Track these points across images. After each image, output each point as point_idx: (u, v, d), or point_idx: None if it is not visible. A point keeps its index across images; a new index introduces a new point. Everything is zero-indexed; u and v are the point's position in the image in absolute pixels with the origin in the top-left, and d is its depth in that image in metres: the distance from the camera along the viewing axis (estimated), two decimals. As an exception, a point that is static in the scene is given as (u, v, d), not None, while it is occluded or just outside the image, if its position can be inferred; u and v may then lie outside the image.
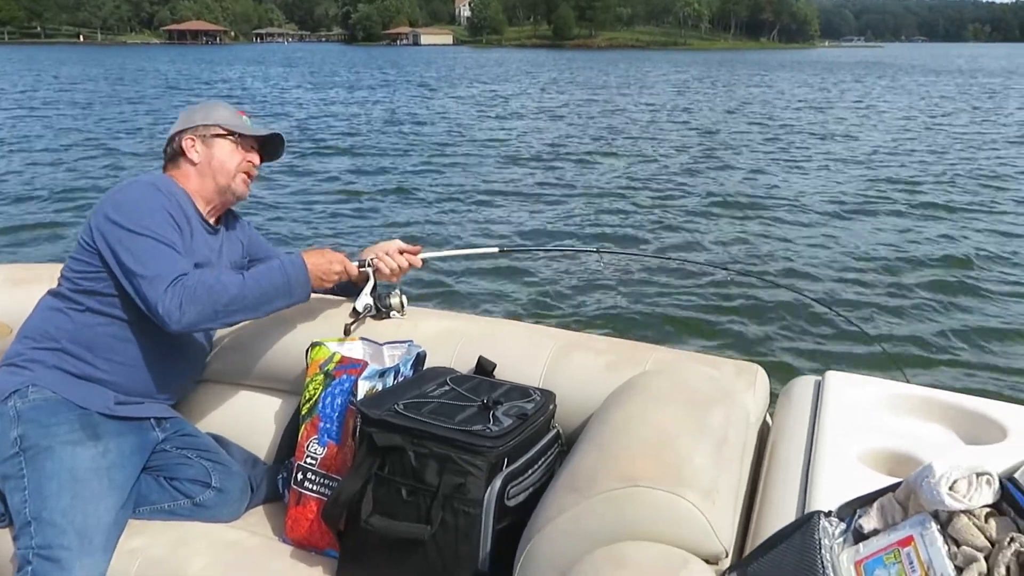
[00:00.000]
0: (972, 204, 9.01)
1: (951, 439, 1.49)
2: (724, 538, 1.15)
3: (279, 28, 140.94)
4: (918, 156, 12.59)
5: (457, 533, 1.40)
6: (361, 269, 1.90)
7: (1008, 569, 0.84)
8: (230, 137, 1.90)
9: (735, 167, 11.58)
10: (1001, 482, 0.94)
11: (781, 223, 8.10)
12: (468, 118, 17.20)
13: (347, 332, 1.87)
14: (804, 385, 1.69)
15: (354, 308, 1.89)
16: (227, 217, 2.01)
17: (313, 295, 1.98)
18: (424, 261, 1.99)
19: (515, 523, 1.41)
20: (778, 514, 1.24)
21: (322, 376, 1.71)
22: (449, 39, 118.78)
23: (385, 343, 1.83)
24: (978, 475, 0.95)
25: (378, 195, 9.38)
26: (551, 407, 1.63)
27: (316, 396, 1.69)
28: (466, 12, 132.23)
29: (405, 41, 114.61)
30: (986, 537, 0.90)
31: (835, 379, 1.65)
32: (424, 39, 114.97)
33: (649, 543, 1.12)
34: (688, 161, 12.02)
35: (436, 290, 5.75)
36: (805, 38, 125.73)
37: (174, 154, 1.90)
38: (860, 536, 1.01)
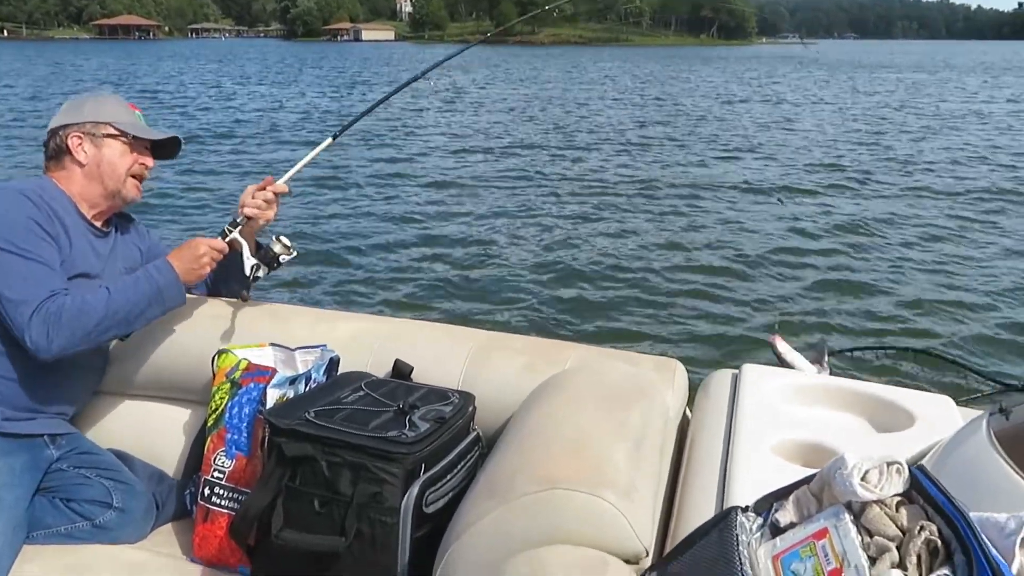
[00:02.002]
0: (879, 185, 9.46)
1: (863, 427, 1.52)
2: (644, 537, 1.14)
3: (215, 23, 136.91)
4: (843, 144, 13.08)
5: (374, 543, 1.35)
6: (228, 239, 1.80)
7: (919, 557, 0.85)
8: (123, 138, 1.79)
9: (657, 155, 11.79)
10: (910, 471, 0.95)
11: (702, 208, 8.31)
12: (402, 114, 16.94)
13: (244, 299, 1.85)
14: (721, 378, 1.70)
15: (245, 276, 1.81)
16: (119, 220, 1.90)
17: (215, 299, 1.90)
18: (286, 184, 1.88)
19: (434, 530, 1.37)
20: (697, 510, 1.23)
21: (229, 385, 1.63)
22: (391, 35, 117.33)
23: (297, 348, 1.76)
24: (888, 464, 0.95)
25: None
26: (470, 409, 1.60)
27: (222, 406, 1.61)
28: (408, 8, 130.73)
29: (346, 37, 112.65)
30: (897, 526, 0.90)
31: (751, 372, 1.66)
32: (366, 35, 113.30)
33: (569, 546, 1.10)
34: (610, 150, 12.16)
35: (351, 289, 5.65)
36: (743, 35, 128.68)
37: (58, 151, 1.77)
38: (777, 530, 1.00)
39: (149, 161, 1.84)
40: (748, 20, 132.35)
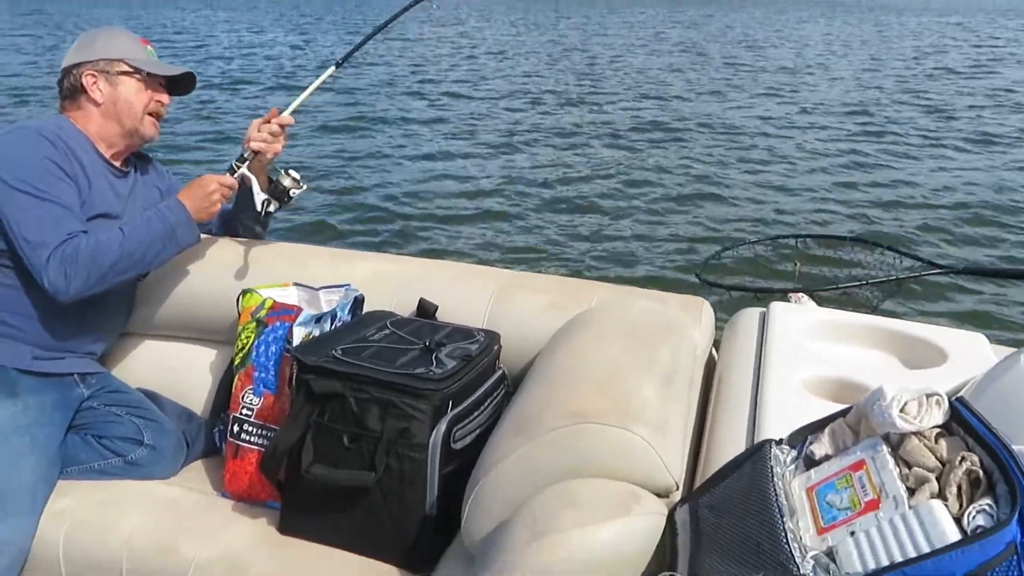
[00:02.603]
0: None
1: (893, 364, 1.50)
2: (675, 471, 1.13)
3: None
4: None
5: (403, 479, 1.36)
6: (236, 174, 1.78)
7: (959, 488, 0.84)
8: (137, 75, 1.75)
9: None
10: (950, 402, 0.94)
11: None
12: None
13: (260, 237, 1.85)
14: (749, 316, 1.68)
15: (256, 212, 1.80)
16: (138, 161, 1.88)
17: (237, 240, 1.89)
18: (291, 116, 1.85)
19: (462, 466, 1.37)
20: (727, 446, 1.23)
21: (254, 324, 1.63)
22: None
23: (321, 288, 1.75)
24: (928, 396, 0.94)
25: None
26: (496, 348, 1.59)
27: (249, 345, 1.61)
28: None
29: None
30: (936, 457, 0.89)
31: (779, 309, 1.64)
32: None
33: (600, 480, 1.10)
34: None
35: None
36: None
37: (73, 91, 1.74)
38: (811, 462, 1.00)
39: (165, 98, 1.81)
40: None
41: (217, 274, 1.84)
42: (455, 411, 1.40)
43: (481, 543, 1.18)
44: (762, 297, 3.04)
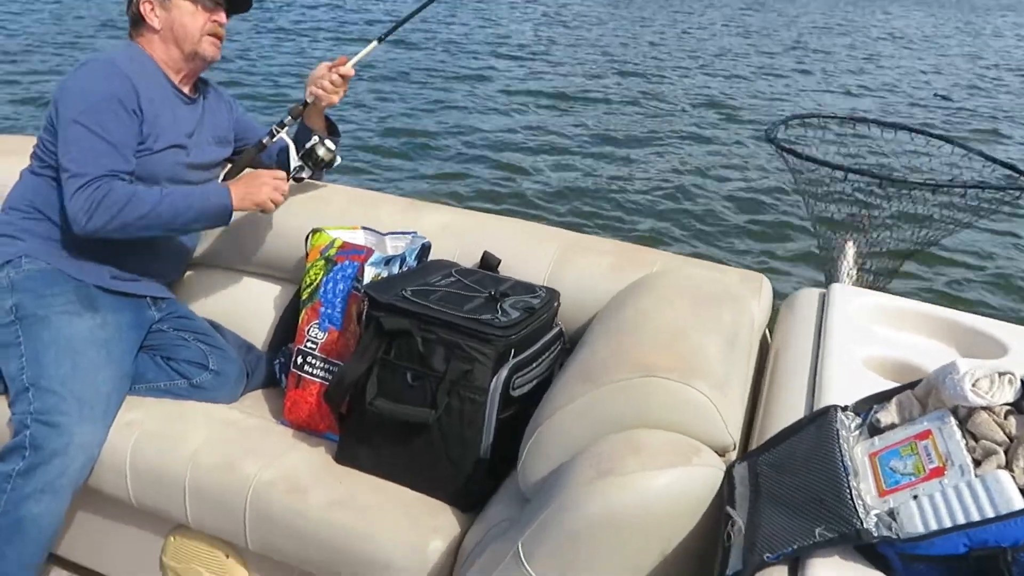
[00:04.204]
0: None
1: (953, 354, 1.50)
2: (733, 430, 1.16)
3: None
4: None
5: (462, 419, 1.40)
6: (275, 138, 1.87)
7: (1028, 462, 0.86)
8: None
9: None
10: (1022, 382, 0.95)
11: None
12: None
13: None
14: (808, 296, 1.69)
15: (291, 177, 1.84)
16: (206, 89, 1.92)
17: (310, 182, 1.93)
18: (354, 67, 1.87)
19: (518, 412, 1.42)
20: (785, 413, 1.24)
21: (323, 261, 1.68)
22: None
23: (388, 233, 1.79)
24: (1000, 375, 0.96)
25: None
26: (555, 304, 1.62)
27: (317, 281, 1.66)
28: None
29: None
30: (1005, 433, 0.91)
31: (840, 291, 1.65)
32: None
33: (662, 431, 1.13)
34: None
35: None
36: None
37: (135, 19, 1.78)
38: (876, 430, 1.02)
39: (222, 17, 1.81)
40: None
41: (288, 212, 1.88)
42: (516, 359, 1.44)
43: (538, 484, 1.22)
44: (850, 179, 2.46)
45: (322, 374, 1.62)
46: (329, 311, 1.64)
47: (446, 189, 5.54)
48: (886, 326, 1.56)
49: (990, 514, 0.81)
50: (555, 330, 1.61)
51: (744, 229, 5.14)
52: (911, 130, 2.75)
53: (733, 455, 1.19)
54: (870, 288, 2.14)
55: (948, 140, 2.67)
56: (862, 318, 1.55)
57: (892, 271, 2.58)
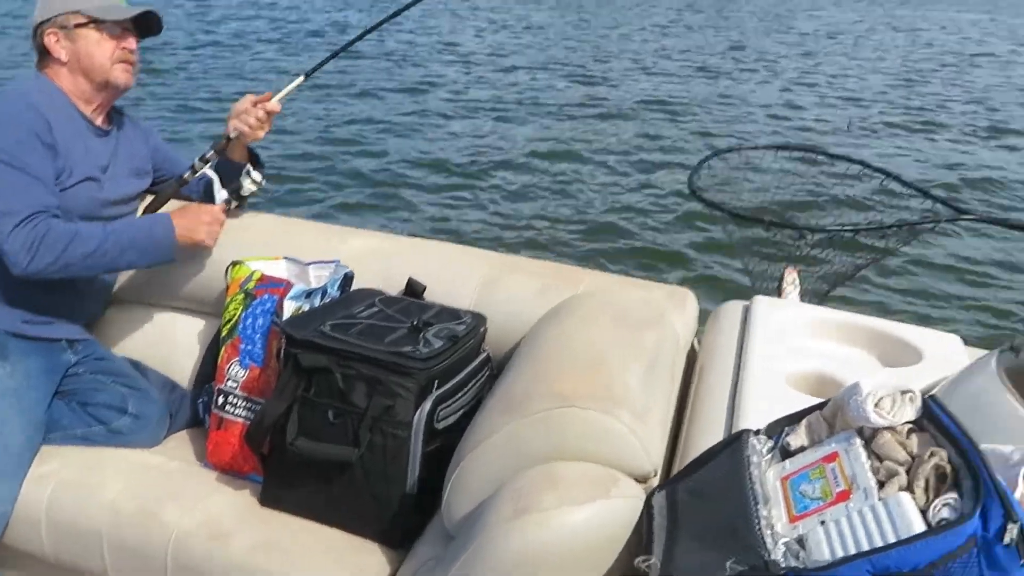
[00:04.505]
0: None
1: (872, 362, 1.53)
2: (654, 457, 1.16)
3: None
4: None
5: (386, 455, 1.38)
6: (197, 173, 1.82)
7: (927, 481, 0.87)
8: (94, 25, 1.69)
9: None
10: (923, 400, 0.97)
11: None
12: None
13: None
14: (732, 309, 1.70)
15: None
16: (121, 118, 1.86)
17: (233, 211, 1.89)
18: (279, 102, 1.82)
19: (444, 446, 1.40)
20: (706, 435, 1.25)
21: (242, 296, 1.64)
22: None
23: (310, 263, 1.76)
24: (902, 393, 0.97)
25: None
26: (482, 330, 1.61)
27: (236, 317, 1.62)
28: None
29: None
30: (907, 452, 0.92)
31: (762, 303, 1.67)
32: None
33: (581, 462, 1.12)
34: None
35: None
36: None
37: (41, 51, 1.71)
38: (787, 453, 1.03)
39: (131, 43, 1.75)
40: None
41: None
42: (440, 391, 1.42)
43: (461, 521, 1.20)
44: (771, 231, 2.54)
45: (244, 413, 1.58)
46: (249, 347, 1.60)
47: (373, 212, 5.49)
48: (807, 337, 1.58)
49: (892, 539, 0.82)
50: (482, 356, 1.60)
51: (677, 243, 5.18)
52: (831, 156, 2.81)
53: (655, 481, 1.18)
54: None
55: (865, 164, 2.73)
56: (784, 330, 1.57)
57: (824, 294, 2.62)
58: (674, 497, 1.04)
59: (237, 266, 1.71)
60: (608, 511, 1.04)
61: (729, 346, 1.54)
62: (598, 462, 1.12)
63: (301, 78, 1.88)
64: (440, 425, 1.42)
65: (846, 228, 2.39)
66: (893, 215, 2.49)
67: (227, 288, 1.71)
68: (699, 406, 1.37)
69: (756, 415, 1.21)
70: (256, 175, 1.84)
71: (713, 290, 4.02)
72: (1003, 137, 8.87)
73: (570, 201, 5.94)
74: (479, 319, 1.61)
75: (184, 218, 1.71)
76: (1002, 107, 10.58)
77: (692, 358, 1.67)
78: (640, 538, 1.03)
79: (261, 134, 1.82)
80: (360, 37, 1.99)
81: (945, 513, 0.83)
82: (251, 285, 1.66)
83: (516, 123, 8.42)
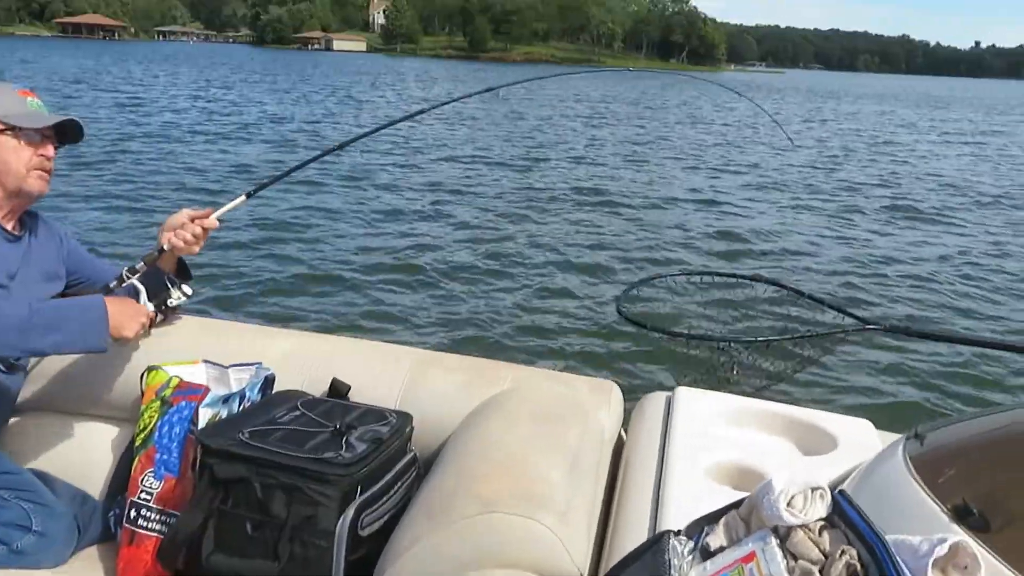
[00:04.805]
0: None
1: (790, 450, 1.57)
2: (578, 559, 1.16)
3: (183, 27, 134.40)
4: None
5: (307, 567, 1.33)
6: (125, 284, 1.75)
7: (840, 580, 0.89)
8: (10, 132, 1.67)
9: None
10: (833, 496, 0.99)
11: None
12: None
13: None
14: (655, 400, 1.73)
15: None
16: (35, 223, 1.81)
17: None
18: (219, 220, 1.81)
19: (370, 553, 1.36)
20: (631, 533, 1.26)
21: (158, 403, 1.59)
22: (363, 46, 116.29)
23: (231, 365, 1.72)
24: (813, 490, 0.99)
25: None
26: (408, 429, 1.59)
27: (152, 425, 1.57)
28: (380, 19, 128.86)
29: (317, 46, 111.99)
30: (820, 550, 0.94)
31: (684, 394, 1.70)
32: (337, 45, 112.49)
33: (506, 570, 1.11)
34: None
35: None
36: (713, 61, 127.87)
37: None
38: (707, 553, 1.03)
39: (49, 151, 1.73)
40: (718, 46, 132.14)
41: (122, 347, 1.79)
42: (364, 496, 1.39)
43: None
44: (684, 343, 2.69)
45: (158, 528, 1.51)
46: (165, 457, 1.54)
47: (301, 311, 5.44)
48: (728, 426, 1.61)
49: (808, 642, 0.83)
50: (408, 456, 1.57)
51: (604, 336, 5.27)
52: (749, 278, 3.07)
53: None
54: None
55: (782, 286, 3.00)
56: (705, 421, 1.61)
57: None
58: (599, 603, 1.04)
59: (153, 372, 1.67)
60: None
61: (653, 438, 1.56)
62: (522, 568, 1.11)
63: (243, 197, 1.87)
64: (365, 532, 1.39)
65: (758, 340, 2.58)
66: (817, 325, 2.73)
67: (142, 395, 1.66)
68: (624, 502, 1.38)
69: (678, 511, 1.23)
70: (186, 288, 1.82)
71: (639, 381, 4.09)
72: (914, 224, 9.48)
73: (499, 295, 6.00)
74: (405, 418, 1.60)
75: (119, 310, 1.62)
76: (910, 193, 11.39)
77: (620, 449, 1.69)
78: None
79: (196, 249, 1.79)
80: (312, 160, 2.03)
81: (857, 612, 0.84)
82: (168, 392, 1.61)
83: (448, 217, 8.54)
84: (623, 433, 1.73)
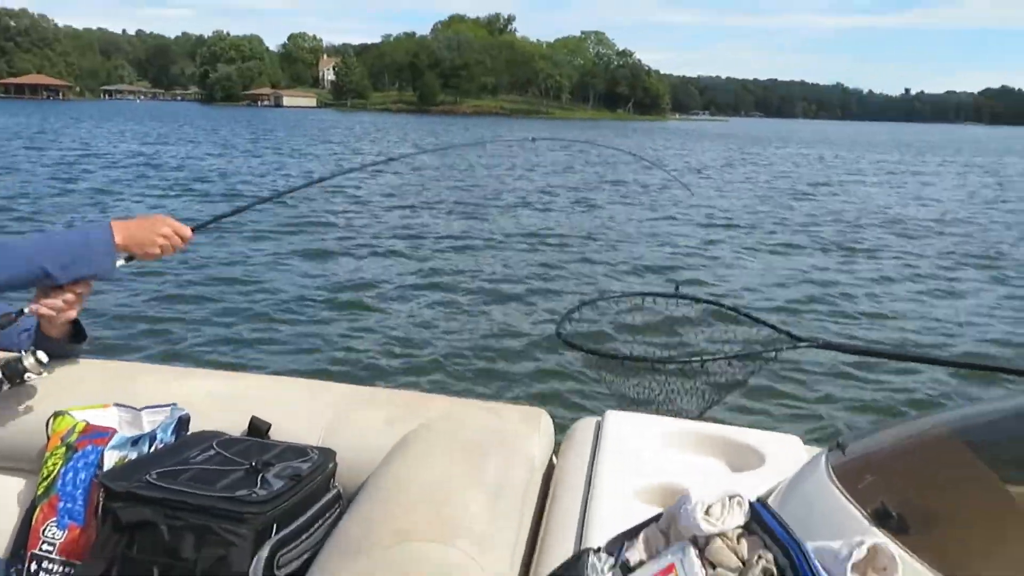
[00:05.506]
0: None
1: (719, 468, 1.56)
2: None
3: (130, 85, 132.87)
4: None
5: (219, 612, 1.26)
6: None
7: (757, 586, 0.87)
8: None
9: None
10: (751, 504, 0.98)
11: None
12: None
13: None
14: (585, 426, 1.71)
15: None
16: None
17: (57, 359, 1.76)
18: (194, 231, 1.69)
19: (288, 594, 1.29)
20: (557, 556, 1.22)
21: (63, 449, 1.51)
22: (313, 101, 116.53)
23: (144, 408, 1.65)
24: (730, 498, 0.98)
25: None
26: (331, 466, 1.54)
27: (55, 472, 1.48)
28: (330, 76, 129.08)
29: (267, 102, 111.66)
30: (738, 557, 0.92)
31: (613, 418, 1.69)
32: (287, 100, 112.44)
33: None
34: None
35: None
36: (658, 111, 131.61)
37: None
38: (627, 569, 1.01)
39: None
40: (662, 97, 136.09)
41: (27, 393, 1.70)
42: (280, 535, 1.32)
43: None
44: (620, 364, 2.76)
45: (61, 581, 1.41)
46: (69, 505, 1.45)
47: (216, 353, 5.33)
48: (657, 448, 1.60)
49: (726, 650, 0.80)
50: (331, 494, 1.51)
51: (537, 360, 5.28)
52: (687, 298, 3.14)
53: None
54: None
55: (719, 304, 3.10)
56: (634, 444, 1.59)
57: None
58: (520, 628, 1.00)
59: (60, 417, 1.58)
60: None
61: (582, 462, 1.53)
62: None
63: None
64: (282, 572, 1.32)
65: (694, 360, 2.62)
66: (752, 343, 2.78)
67: (47, 442, 1.57)
68: (552, 527, 1.34)
69: (603, 532, 1.20)
70: (42, 356, 1.59)
71: (574, 406, 4.08)
72: (848, 256, 9.84)
73: (431, 329, 5.98)
74: (327, 454, 1.54)
75: (131, 227, 1.53)
76: (848, 229, 11.91)
77: (551, 476, 1.65)
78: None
79: (73, 314, 1.65)
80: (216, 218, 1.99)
81: (774, 616, 0.82)
82: (73, 437, 1.53)
83: (390, 257, 8.52)
84: (555, 460, 1.70)
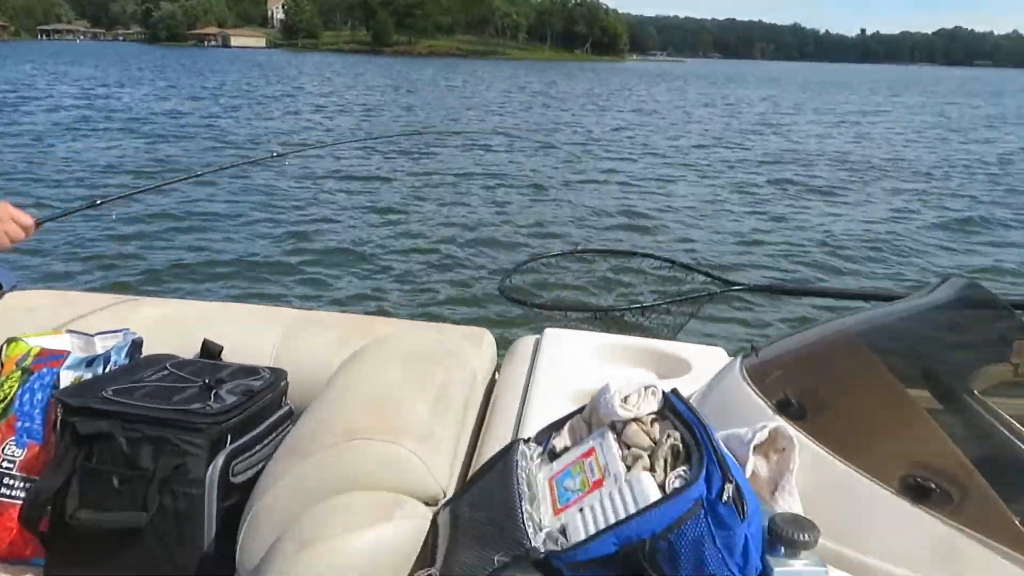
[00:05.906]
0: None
1: (649, 377, 1.66)
2: (441, 480, 1.21)
3: (68, 24, 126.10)
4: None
5: (178, 516, 1.34)
6: None
7: (665, 460, 0.97)
8: None
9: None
10: (664, 393, 1.08)
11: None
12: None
13: None
14: (526, 342, 1.80)
15: None
16: None
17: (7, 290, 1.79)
18: (38, 225, 1.70)
19: (243, 499, 1.37)
20: (494, 452, 1.31)
21: (19, 373, 1.55)
22: (262, 42, 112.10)
23: (97, 334, 1.69)
24: (645, 388, 1.08)
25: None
26: (282, 384, 1.61)
27: (12, 394, 1.52)
28: (280, 15, 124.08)
29: (214, 43, 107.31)
30: (651, 438, 1.02)
31: (552, 335, 1.78)
32: (235, 41, 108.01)
33: (368, 492, 1.15)
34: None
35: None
36: (616, 51, 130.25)
37: None
38: (554, 455, 1.10)
39: None
40: (620, 37, 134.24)
41: None
42: (235, 444, 1.40)
43: (255, 569, 1.18)
44: (569, 316, 2.89)
45: (23, 495, 1.46)
46: (27, 424, 1.50)
47: (170, 279, 5.34)
48: (591, 360, 1.70)
49: (633, 511, 0.90)
50: (283, 410, 1.59)
51: (482, 294, 5.40)
52: (625, 253, 3.27)
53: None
54: None
55: (653, 256, 3.24)
56: (571, 357, 1.68)
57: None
58: (456, 511, 1.09)
59: (13, 343, 1.62)
60: (392, 533, 1.07)
61: (521, 375, 1.63)
62: (385, 489, 1.15)
63: (82, 207, 1.80)
64: (238, 479, 1.40)
65: (633, 307, 2.74)
66: (690, 291, 2.93)
67: (1, 367, 1.61)
68: (491, 428, 1.44)
69: (536, 429, 1.29)
70: None
71: (516, 329, 4.20)
72: (785, 195, 10.03)
73: (384, 262, 6.03)
74: (279, 374, 1.61)
75: None
76: (798, 170, 12.09)
77: (493, 390, 1.75)
78: (428, 556, 1.07)
79: (8, 245, 1.65)
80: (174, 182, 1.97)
81: (677, 484, 0.92)
82: (28, 361, 1.57)
83: (348, 197, 8.48)
84: (497, 376, 1.79)
